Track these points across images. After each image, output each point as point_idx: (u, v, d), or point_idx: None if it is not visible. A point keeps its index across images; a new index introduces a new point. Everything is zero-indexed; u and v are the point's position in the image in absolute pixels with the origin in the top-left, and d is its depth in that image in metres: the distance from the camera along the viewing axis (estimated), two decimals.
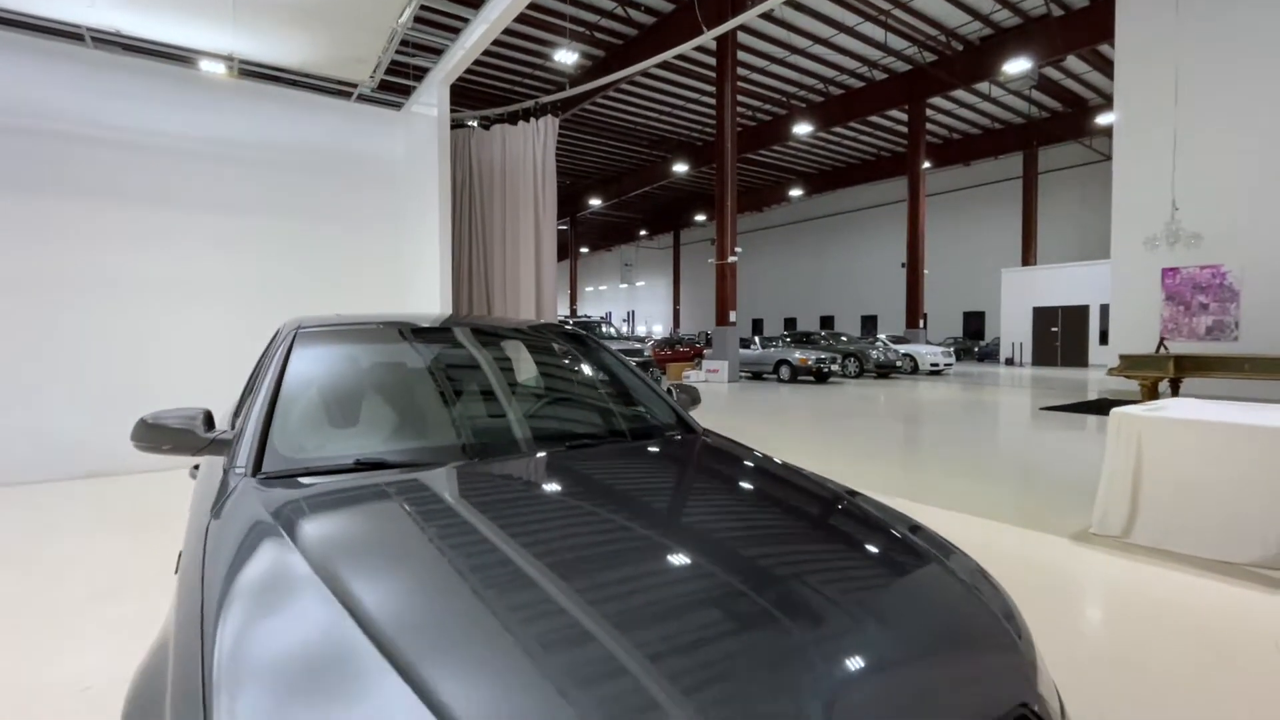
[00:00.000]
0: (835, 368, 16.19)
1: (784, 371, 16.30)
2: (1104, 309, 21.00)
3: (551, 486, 1.62)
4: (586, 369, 2.54)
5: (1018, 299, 23.42)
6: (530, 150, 7.52)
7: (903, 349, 18.70)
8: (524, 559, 1.13)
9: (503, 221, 7.63)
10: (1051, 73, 19.24)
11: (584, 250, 46.90)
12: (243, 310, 6.22)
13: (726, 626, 0.97)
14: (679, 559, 1.19)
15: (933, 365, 18.40)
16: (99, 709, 2.10)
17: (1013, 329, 23.54)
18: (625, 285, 49.39)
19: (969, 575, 1.29)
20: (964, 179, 28.08)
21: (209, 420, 1.75)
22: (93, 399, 5.56)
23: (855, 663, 0.95)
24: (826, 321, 34.34)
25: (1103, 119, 20.02)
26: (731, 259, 15.48)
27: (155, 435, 1.68)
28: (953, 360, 19.33)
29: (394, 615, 0.96)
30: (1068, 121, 22.29)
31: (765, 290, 37.59)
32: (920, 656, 1.02)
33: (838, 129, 23.40)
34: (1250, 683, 2.27)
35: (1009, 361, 23.40)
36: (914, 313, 21.51)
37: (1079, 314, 21.97)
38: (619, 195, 30.76)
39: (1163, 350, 10.57)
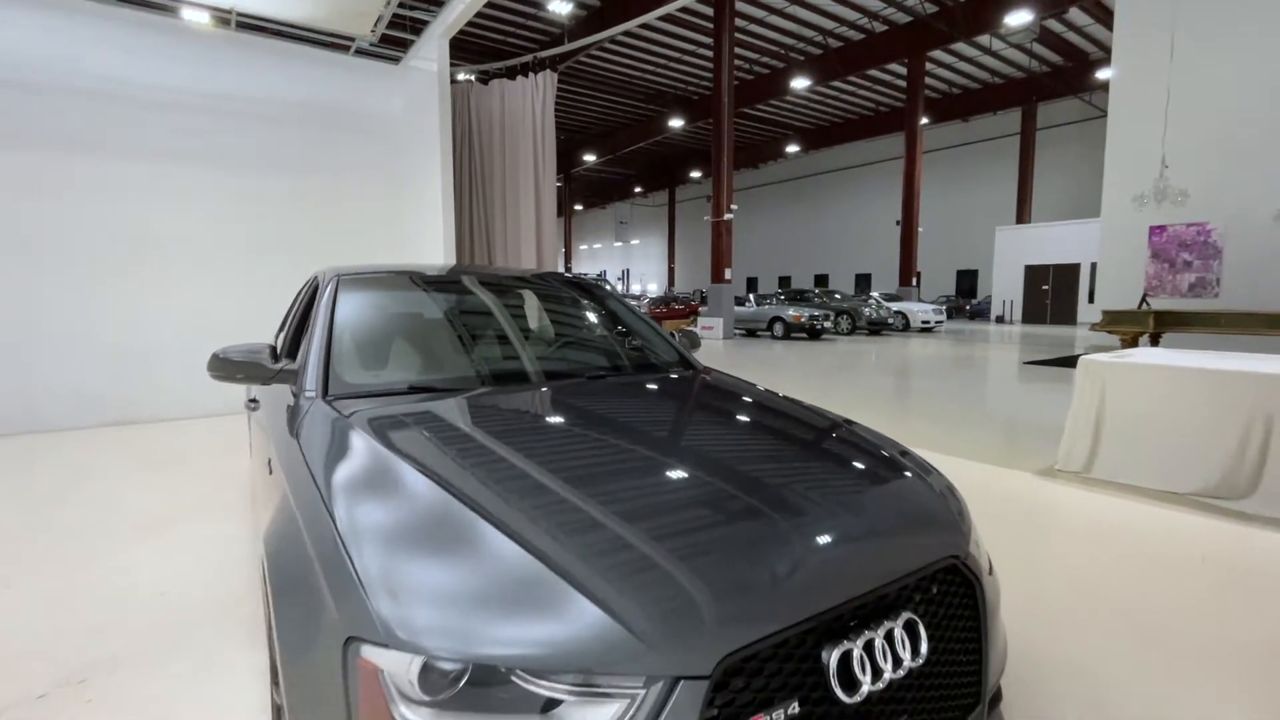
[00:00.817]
0: (828, 324, 16.47)
1: (778, 328, 16.58)
2: (1094, 267, 21.22)
3: (575, 406, 1.89)
4: (605, 313, 2.79)
5: (1011, 257, 23.60)
6: (530, 106, 7.57)
7: (895, 306, 18.96)
8: (556, 456, 1.43)
9: (503, 177, 7.73)
10: (1053, 25, 18.95)
11: (578, 207, 46.45)
12: (245, 264, 6.38)
13: (719, 516, 1.22)
14: (690, 468, 1.47)
15: (924, 322, 18.71)
16: (179, 608, 2.42)
17: (1004, 287, 23.80)
18: (620, 243, 49.08)
19: (939, 486, 1.56)
20: (961, 135, 27.85)
21: (274, 353, 2.00)
22: (108, 353, 5.78)
23: (824, 534, 1.22)
24: (821, 280, 34.45)
25: (1103, 74, 19.83)
26: (727, 216, 15.55)
27: (229, 367, 1.94)
28: (944, 317, 19.65)
29: (467, 483, 1.24)
30: (1068, 76, 22.04)
31: (760, 248, 37.52)
32: (877, 528, 1.30)
33: (836, 83, 23.08)
34: (1179, 586, 2.63)
35: (999, 319, 23.74)
36: (907, 271, 21.69)
37: (1070, 272, 22.21)
38: (614, 151, 30.36)
39: (1144, 306, 10.88)
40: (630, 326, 2.69)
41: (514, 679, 0.90)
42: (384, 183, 7.31)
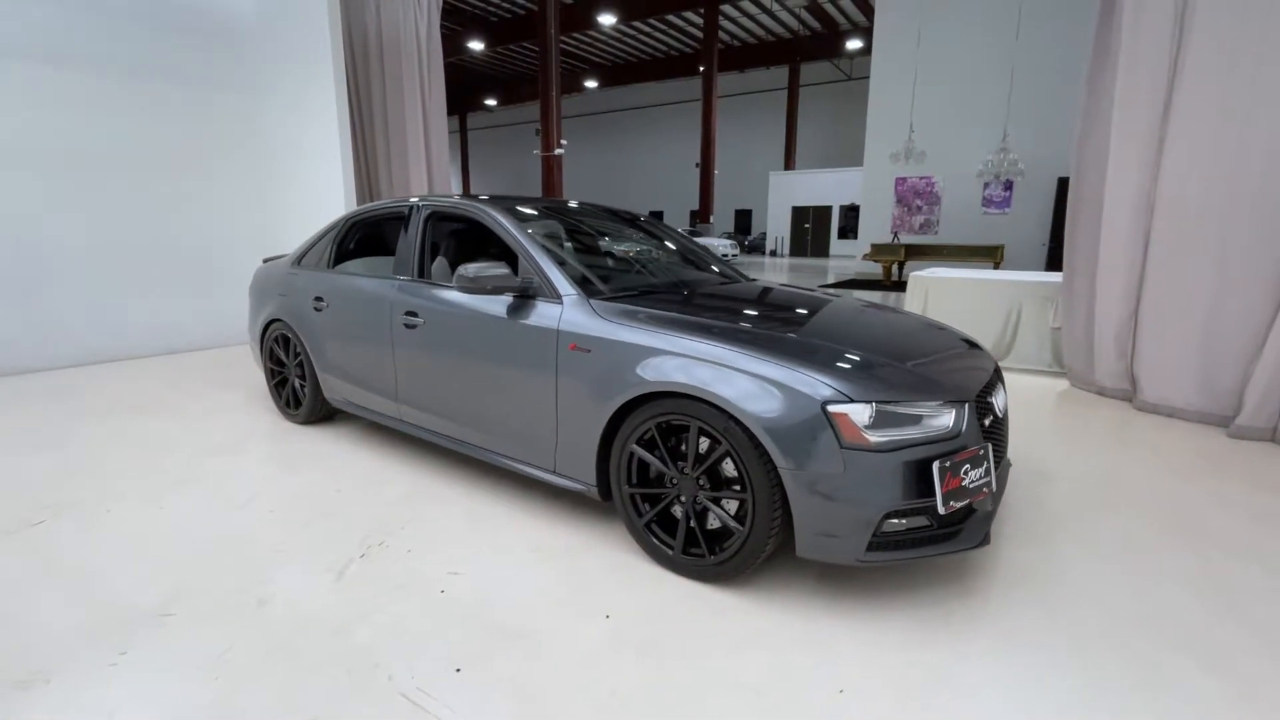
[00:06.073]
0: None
1: None
2: (843, 209, 26.03)
3: (731, 296, 2.78)
4: (687, 244, 3.69)
5: (780, 199, 27.62)
6: (412, 23, 7.26)
7: (700, 241, 21.34)
8: (731, 315, 2.37)
9: (384, 103, 7.38)
10: None
11: None
12: (67, 177, 5.47)
13: (936, 350, 2.30)
14: (779, 317, 2.51)
15: (723, 255, 21.40)
16: (375, 500, 2.77)
17: (776, 225, 27.89)
18: None
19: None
20: (738, 86, 30.97)
21: (514, 271, 2.49)
22: None
23: (970, 357, 2.38)
24: None
25: (851, 44, 23.77)
26: (558, 151, 15.91)
27: (479, 283, 2.41)
28: (738, 251, 22.63)
29: (778, 328, 2.13)
30: (824, 42, 25.82)
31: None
32: (952, 345, 2.50)
33: (637, 23, 24.01)
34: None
35: (773, 253, 27.86)
36: (706, 209, 24.20)
37: (824, 213, 26.87)
38: None
39: (896, 241, 14.20)
40: (706, 251, 3.66)
41: (901, 409, 1.87)
42: (240, 95, 6.51)
